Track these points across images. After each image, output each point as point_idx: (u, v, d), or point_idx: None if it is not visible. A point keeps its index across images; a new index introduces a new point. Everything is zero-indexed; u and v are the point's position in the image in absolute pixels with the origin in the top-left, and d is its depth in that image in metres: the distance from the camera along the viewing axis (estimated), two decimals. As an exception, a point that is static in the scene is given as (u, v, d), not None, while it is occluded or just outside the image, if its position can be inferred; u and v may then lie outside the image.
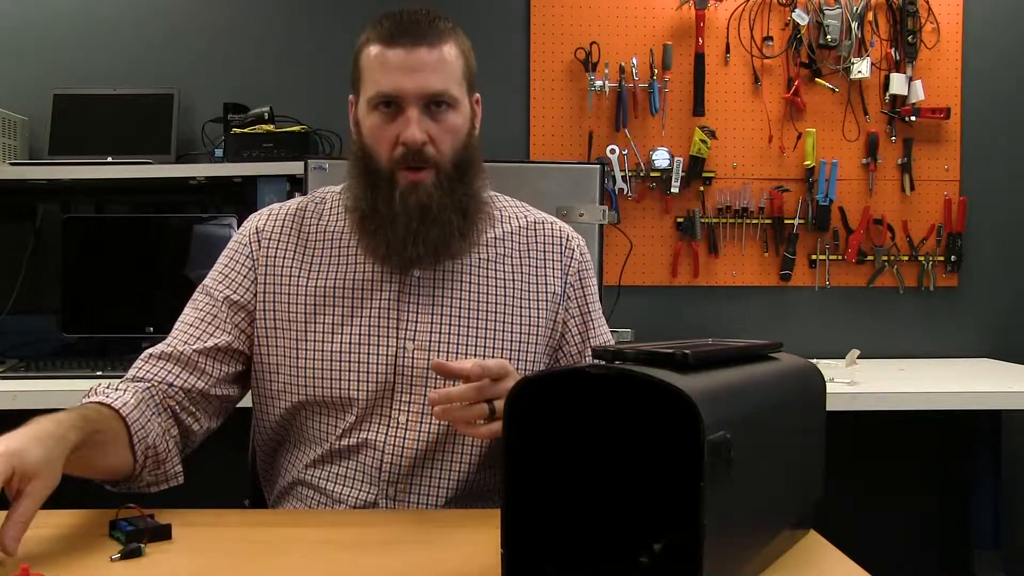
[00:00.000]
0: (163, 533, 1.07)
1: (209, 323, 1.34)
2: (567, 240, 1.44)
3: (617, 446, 0.97)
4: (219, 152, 2.58)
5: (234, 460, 1.63)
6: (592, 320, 1.43)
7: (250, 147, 2.49)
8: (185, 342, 1.32)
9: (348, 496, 1.31)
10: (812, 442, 1.14)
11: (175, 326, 1.36)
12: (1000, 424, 2.72)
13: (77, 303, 2.52)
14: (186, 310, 1.37)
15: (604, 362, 0.91)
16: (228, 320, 1.34)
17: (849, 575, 1.01)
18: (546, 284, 1.40)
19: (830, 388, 1.21)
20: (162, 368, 1.32)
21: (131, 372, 1.34)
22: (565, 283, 1.42)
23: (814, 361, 1.21)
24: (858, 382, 2.30)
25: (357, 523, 1.21)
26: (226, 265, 1.38)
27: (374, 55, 1.28)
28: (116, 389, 1.24)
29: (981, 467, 2.75)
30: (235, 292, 1.35)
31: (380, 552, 1.07)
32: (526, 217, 1.45)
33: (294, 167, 2.37)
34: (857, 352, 2.65)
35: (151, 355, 1.33)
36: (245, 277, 1.36)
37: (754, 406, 0.96)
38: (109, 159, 2.49)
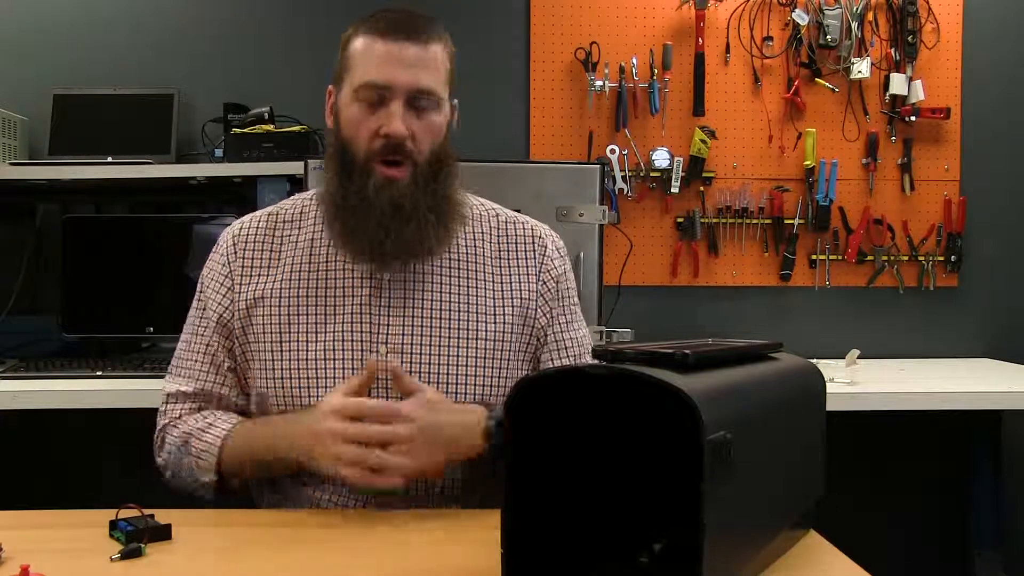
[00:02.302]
0: (163, 533, 1.07)
1: (215, 351, 1.37)
2: (540, 239, 1.43)
3: (617, 446, 0.97)
4: (219, 152, 2.58)
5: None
6: (569, 323, 1.43)
7: (250, 147, 2.49)
8: (200, 375, 1.38)
9: (337, 505, 1.31)
10: (812, 442, 1.14)
11: (182, 348, 1.40)
12: (1000, 424, 2.72)
13: (77, 303, 2.51)
14: (188, 333, 1.40)
15: (604, 362, 0.91)
16: (226, 341, 1.37)
17: (849, 575, 1.01)
18: (520, 285, 1.40)
19: (830, 388, 1.21)
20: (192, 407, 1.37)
21: (170, 416, 1.38)
22: (539, 283, 1.41)
23: (814, 361, 1.20)
24: (858, 382, 2.30)
25: (357, 523, 1.21)
26: (207, 286, 1.39)
27: (365, 46, 1.29)
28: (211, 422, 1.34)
29: (981, 467, 2.75)
30: (224, 310, 1.37)
31: (380, 552, 1.07)
32: (498, 217, 1.44)
33: (294, 167, 2.37)
34: (857, 352, 2.64)
35: (181, 395, 1.37)
36: (224, 296, 1.37)
37: (754, 406, 0.96)
38: (109, 159, 2.49)
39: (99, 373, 2.19)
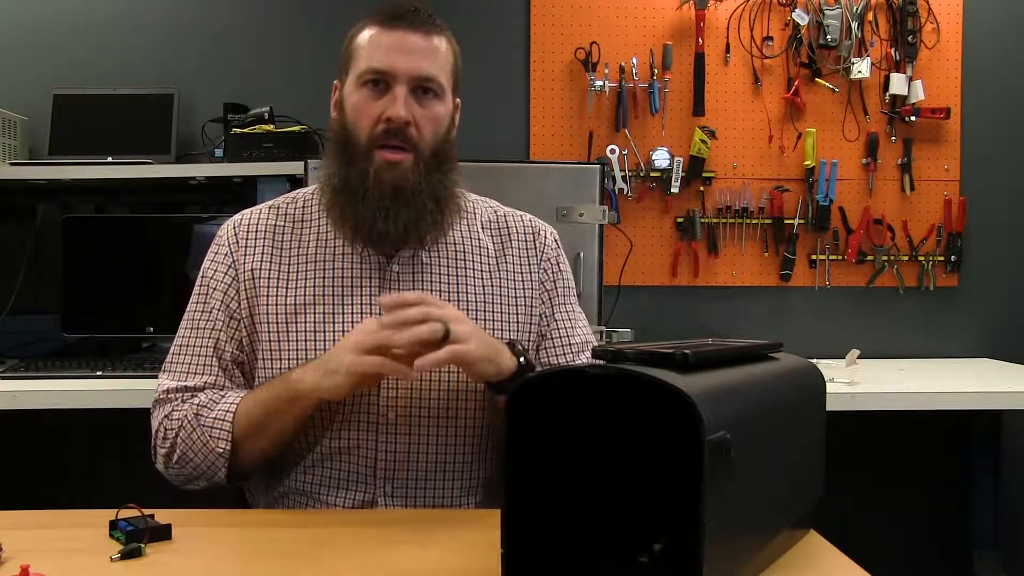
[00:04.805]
0: (163, 533, 1.07)
1: (219, 343, 1.35)
2: (537, 232, 1.46)
3: (617, 446, 0.97)
4: (219, 152, 2.58)
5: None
6: (567, 313, 1.45)
7: (250, 147, 2.49)
8: (205, 368, 1.34)
9: (345, 499, 1.31)
10: (812, 442, 1.14)
11: (181, 344, 1.36)
12: (1000, 424, 2.72)
13: (77, 303, 2.51)
14: (187, 329, 1.37)
15: (604, 362, 0.91)
16: (235, 332, 1.35)
17: (849, 575, 1.01)
18: (522, 277, 1.42)
19: (830, 388, 1.21)
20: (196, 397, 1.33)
21: (169, 409, 1.33)
22: (540, 276, 1.43)
23: (814, 361, 1.21)
24: (858, 382, 2.30)
25: (357, 523, 1.21)
26: (209, 278, 1.37)
27: (369, 36, 1.32)
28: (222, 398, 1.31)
29: (981, 467, 2.75)
30: (230, 300, 1.35)
31: (380, 552, 1.07)
32: (496, 212, 1.47)
33: (294, 167, 2.37)
34: (857, 352, 2.64)
35: (183, 389, 1.33)
36: (229, 287, 1.36)
37: (754, 406, 0.96)
38: (109, 159, 2.49)
39: (99, 373, 2.19)
